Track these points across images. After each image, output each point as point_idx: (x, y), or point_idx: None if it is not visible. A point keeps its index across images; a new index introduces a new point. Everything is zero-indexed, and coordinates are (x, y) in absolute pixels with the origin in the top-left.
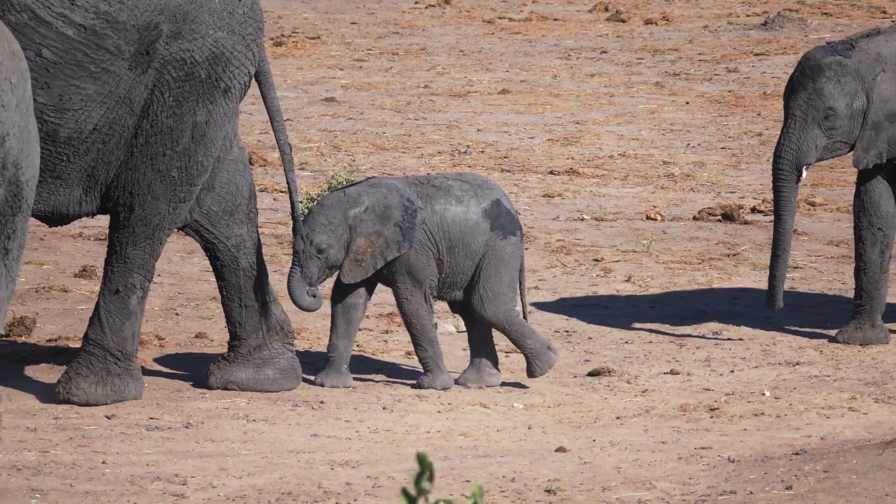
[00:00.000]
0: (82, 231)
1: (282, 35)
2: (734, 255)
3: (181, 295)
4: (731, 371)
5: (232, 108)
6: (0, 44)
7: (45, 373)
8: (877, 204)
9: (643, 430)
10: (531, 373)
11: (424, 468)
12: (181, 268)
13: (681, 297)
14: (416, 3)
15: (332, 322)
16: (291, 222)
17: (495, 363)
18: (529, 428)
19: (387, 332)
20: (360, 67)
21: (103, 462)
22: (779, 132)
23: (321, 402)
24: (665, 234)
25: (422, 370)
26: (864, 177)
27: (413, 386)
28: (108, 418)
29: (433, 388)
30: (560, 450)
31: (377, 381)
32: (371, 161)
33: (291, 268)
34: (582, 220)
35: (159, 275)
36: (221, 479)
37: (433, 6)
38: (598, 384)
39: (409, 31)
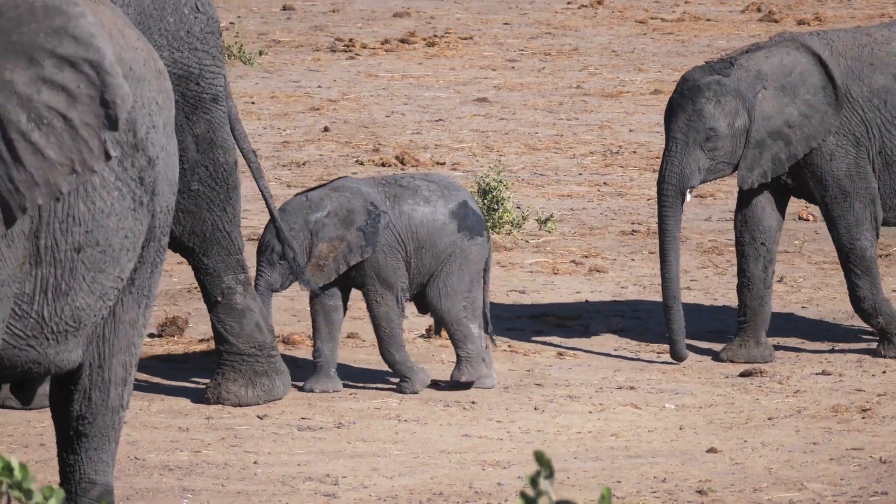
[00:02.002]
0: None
1: (434, 35)
2: (886, 255)
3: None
4: (884, 372)
5: (225, 112)
6: (146, 63)
7: (198, 373)
8: (759, 218)
9: (795, 430)
10: (457, 376)
11: (543, 467)
12: None
13: (832, 297)
14: (568, 3)
15: (314, 327)
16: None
17: (487, 357)
18: (681, 428)
19: (539, 332)
20: (513, 68)
21: (255, 462)
22: None
23: (472, 403)
24: (817, 235)
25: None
26: (743, 193)
27: (395, 390)
28: (260, 418)
29: (415, 392)
30: (711, 450)
31: (528, 382)
32: (523, 161)
33: (256, 275)
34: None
35: None
36: (373, 480)
37: (585, 6)
38: (749, 385)
39: (561, 31)
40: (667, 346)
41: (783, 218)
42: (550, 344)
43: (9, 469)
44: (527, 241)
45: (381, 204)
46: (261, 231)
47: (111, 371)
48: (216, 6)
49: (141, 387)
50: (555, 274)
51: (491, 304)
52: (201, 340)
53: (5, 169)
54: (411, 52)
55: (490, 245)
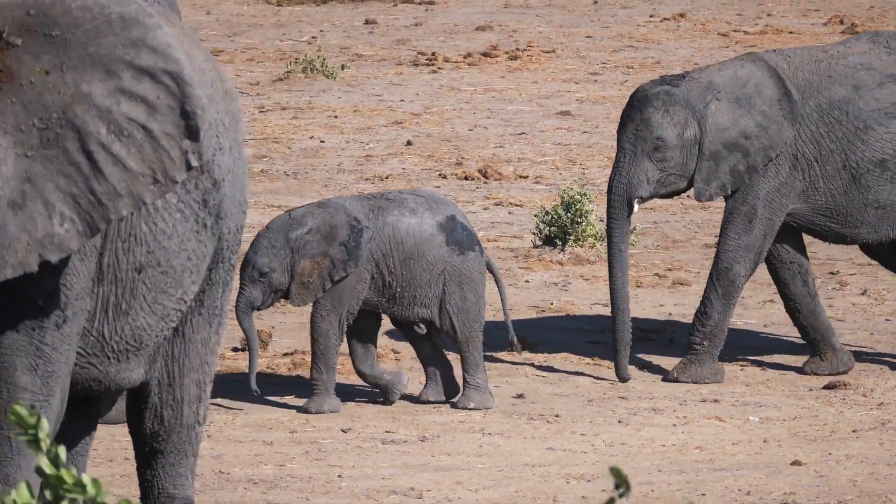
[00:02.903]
0: None
1: (517, 49)
2: (835, 272)
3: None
4: None
5: None
6: (214, 84)
7: (282, 386)
8: (776, 239)
9: (879, 443)
10: (464, 403)
11: (620, 483)
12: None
13: None
14: (650, 16)
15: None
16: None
17: (450, 376)
18: (765, 441)
19: None
20: (595, 81)
21: (339, 475)
22: None
23: (556, 416)
24: None
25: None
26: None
27: (300, 410)
28: (345, 432)
29: (321, 412)
30: (795, 463)
31: (612, 395)
32: (605, 174)
33: (238, 292)
34: None
35: None
36: (457, 493)
37: (668, 19)
38: (833, 397)
39: (643, 44)
40: (751, 359)
41: (800, 232)
42: (634, 357)
43: (81, 485)
44: None
45: (364, 219)
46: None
47: (183, 389)
48: (299, 21)
49: (225, 401)
50: (638, 287)
51: (575, 316)
52: (285, 354)
53: (85, 181)
54: (494, 65)
55: (485, 257)
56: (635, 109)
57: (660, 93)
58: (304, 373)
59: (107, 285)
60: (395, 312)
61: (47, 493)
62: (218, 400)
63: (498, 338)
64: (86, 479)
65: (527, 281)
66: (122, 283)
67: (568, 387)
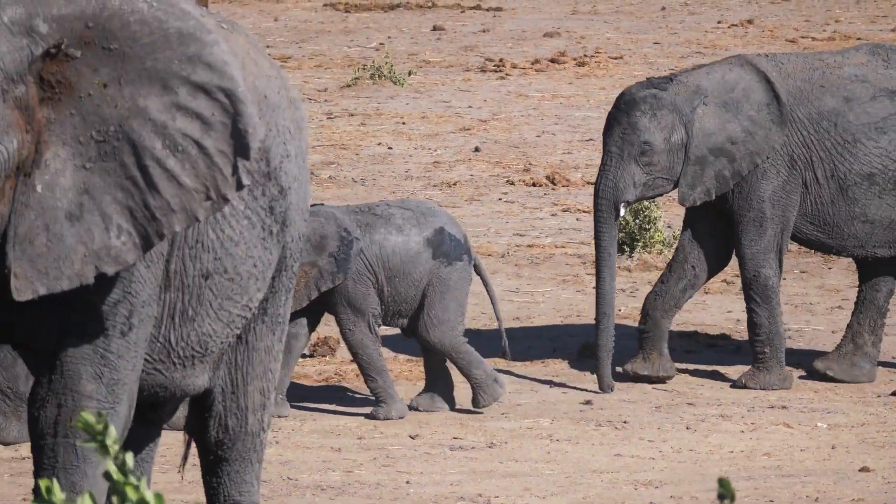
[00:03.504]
0: None
1: (584, 55)
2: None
3: (484, 315)
4: None
5: None
6: (280, 92)
7: (349, 393)
8: (699, 244)
9: None
10: (476, 403)
11: (726, 494)
12: (481, 288)
13: None
14: (718, 22)
15: None
16: None
17: (450, 392)
18: (833, 447)
19: (690, 351)
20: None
21: (407, 482)
22: None
23: (624, 423)
24: None
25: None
26: (691, 213)
27: (368, 416)
28: (413, 438)
29: (389, 418)
30: (864, 469)
31: (680, 402)
32: None
33: None
34: None
35: None
36: (525, 499)
37: (736, 26)
38: None
39: (711, 50)
40: (818, 365)
41: (729, 252)
42: (702, 363)
43: (145, 502)
44: None
45: (353, 230)
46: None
47: (247, 397)
48: (366, 27)
49: (293, 407)
50: (706, 293)
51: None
52: (353, 360)
53: (141, 195)
54: (561, 71)
55: (472, 267)
56: (622, 113)
57: (647, 96)
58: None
59: (173, 292)
60: (380, 323)
61: (114, 501)
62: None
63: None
64: (148, 495)
65: (593, 287)
66: (188, 289)
67: (636, 393)
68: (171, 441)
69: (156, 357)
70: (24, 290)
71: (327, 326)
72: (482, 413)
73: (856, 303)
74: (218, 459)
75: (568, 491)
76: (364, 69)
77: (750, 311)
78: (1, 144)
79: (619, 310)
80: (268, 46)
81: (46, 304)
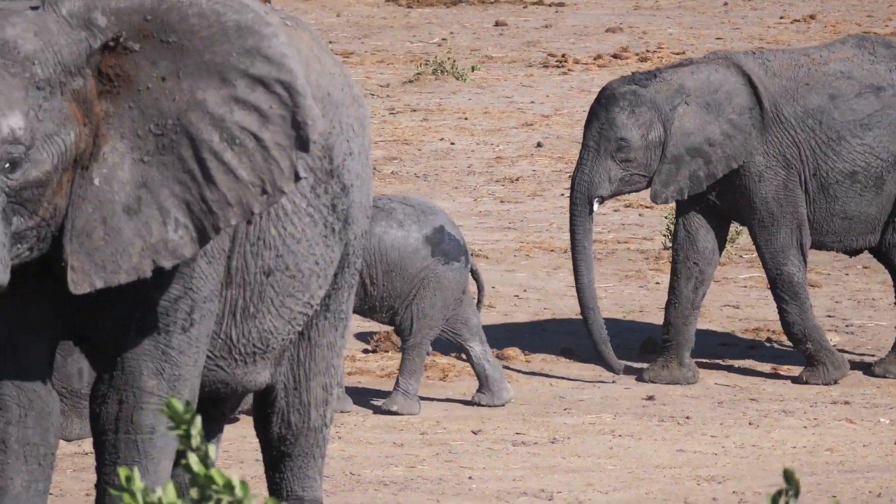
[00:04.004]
0: None
1: (647, 51)
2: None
3: (547, 310)
4: None
5: None
6: (343, 89)
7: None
8: (695, 238)
9: None
10: (387, 405)
11: (791, 485)
12: (547, 283)
13: None
14: (780, 17)
15: None
16: None
17: (500, 378)
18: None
19: (753, 347)
20: None
21: (470, 477)
22: None
23: (687, 418)
24: None
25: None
26: (681, 209)
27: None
28: (475, 433)
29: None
30: None
31: (742, 397)
32: None
33: None
34: None
35: (525, 290)
36: (587, 495)
37: (798, 21)
38: None
39: (774, 45)
40: (876, 370)
41: (723, 241)
42: (764, 359)
43: (230, 487)
44: (741, 257)
45: None
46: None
47: (310, 393)
48: (429, 23)
49: (356, 402)
50: (769, 289)
51: (704, 318)
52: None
53: (198, 189)
54: (624, 67)
55: (468, 271)
56: (602, 107)
57: (627, 92)
58: (435, 374)
59: (235, 288)
60: (375, 318)
61: (193, 493)
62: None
63: (546, 341)
64: (235, 480)
65: (657, 283)
66: (250, 286)
67: (698, 388)
68: (232, 436)
69: (217, 353)
70: (81, 283)
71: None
72: (545, 408)
73: None
74: (281, 455)
75: (630, 486)
76: (426, 65)
77: (780, 310)
78: (58, 137)
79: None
80: (330, 42)
81: (108, 299)
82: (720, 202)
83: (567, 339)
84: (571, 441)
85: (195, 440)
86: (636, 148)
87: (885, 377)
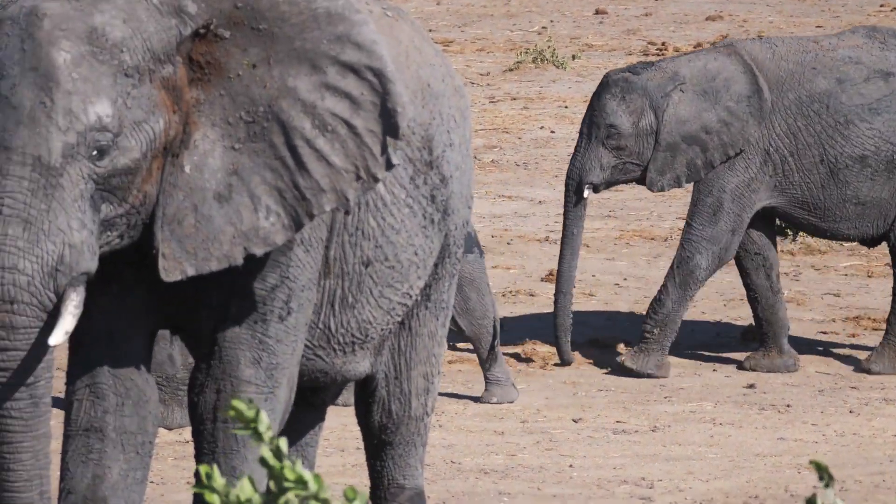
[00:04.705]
0: (549, 235)
1: (747, 39)
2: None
3: (647, 299)
4: None
5: None
6: (444, 80)
7: (512, 377)
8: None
9: None
10: (487, 398)
11: (823, 475)
12: (647, 272)
13: None
14: (881, 5)
15: None
16: None
17: (507, 377)
18: None
19: (854, 334)
20: None
21: (570, 465)
22: None
23: (787, 406)
24: None
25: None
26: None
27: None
28: (575, 422)
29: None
30: None
31: (843, 385)
32: None
33: None
34: None
35: (625, 278)
36: (688, 483)
37: None
38: None
39: None
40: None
41: (771, 222)
42: (865, 347)
43: (302, 481)
44: (841, 245)
45: None
46: None
47: (411, 382)
48: (529, 11)
49: (457, 391)
50: (869, 277)
51: (806, 307)
52: (516, 344)
53: (290, 176)
54: None
55: (484, 260)
56: (595, 96)
57: (619, 80)
58: (535, 363)
59: (333, 278)
60: None
61: (271, 485)
62: (449, 389)
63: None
64: (307, 475)
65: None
66: (348, 276)
67: (799, 377)
68: (334, 425)
69: (315, 343)
70: (172, 270)
71: None
72: (645, 396)
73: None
74: (382, 443)
75: (731, 475)
76: (526, 53)
77: (662, 288)
78: (147, 124)
79: (783, 293)
80: (430, 31)
81: (204, 288)
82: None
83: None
84: (672, 429)
85: (265, 436)
86: (626, 135)
87: (754, 370)
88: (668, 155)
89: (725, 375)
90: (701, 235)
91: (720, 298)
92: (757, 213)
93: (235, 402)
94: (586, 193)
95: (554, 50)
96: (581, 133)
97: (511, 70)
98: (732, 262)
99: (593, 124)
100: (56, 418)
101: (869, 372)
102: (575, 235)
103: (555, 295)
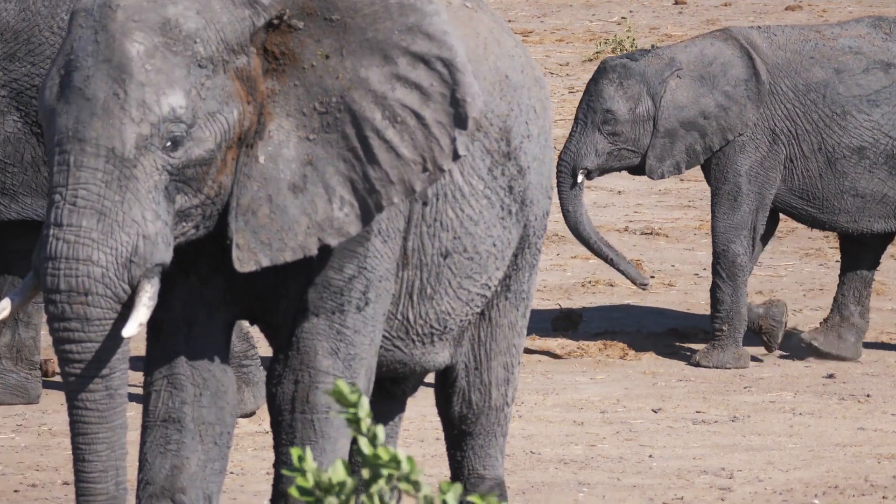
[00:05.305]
0: (628, 225)
1: None
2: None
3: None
4: None
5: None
6: (524, 71)
7: (593, 367)
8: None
9: None
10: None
11: None
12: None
13: None
14: None
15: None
16: None
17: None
18: None
19: None
20: None
21: (650, 455)
22: None
23: (867, 396)
24: None
25: None
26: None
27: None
28: (655, 412)
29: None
30: None
31: None
32: None
33: None
34: None
35: (704, 268)
36: (768, 473)
37: None
38: None
39: None
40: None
41: (775, 220)
42: None
43: (396, 461)
44: None
45: None
46: None
47: (491, 373)
48: (608, 1)
49: (536, 381)
50: None
51: (886, 296)
52: (596, 335)
53: (361, 167)
54: None
55: None
56: (593, 81)
57: (617, 66)
58: (614, 353)
59: (411, 269)
60: None
61: (364, 473)
62: (528, 381)
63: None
64: (401, 455)
65: (837, 261)
66: (427, 267)
67: (879, 367)
68: (413, 415)
69: (394, 334)
70: (246, 261)
71: (569, 300)
72: (725, 386)
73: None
74: (462, 434)
75: (811, 465)
76: (605, 43)
77: (714, 286)
78: (221, 115)
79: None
80: (510, 21)
81: (281, 279)
82: (703, 165)
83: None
84: (752, 419)
85: (364, 423)
86: (623, 121)
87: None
88: (667, 141)
89: (805, 365)
90: (728, 225)
91: (800, 288)
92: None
93: (339, 384)
94: (580, 178)
95: (633, 40)
96: (576, 118)
97: (590, 60)
98: (812, 250)
99: (590, 109)
100: (133, 409)
101: None
102: (574, 211)
103: (595, 254)
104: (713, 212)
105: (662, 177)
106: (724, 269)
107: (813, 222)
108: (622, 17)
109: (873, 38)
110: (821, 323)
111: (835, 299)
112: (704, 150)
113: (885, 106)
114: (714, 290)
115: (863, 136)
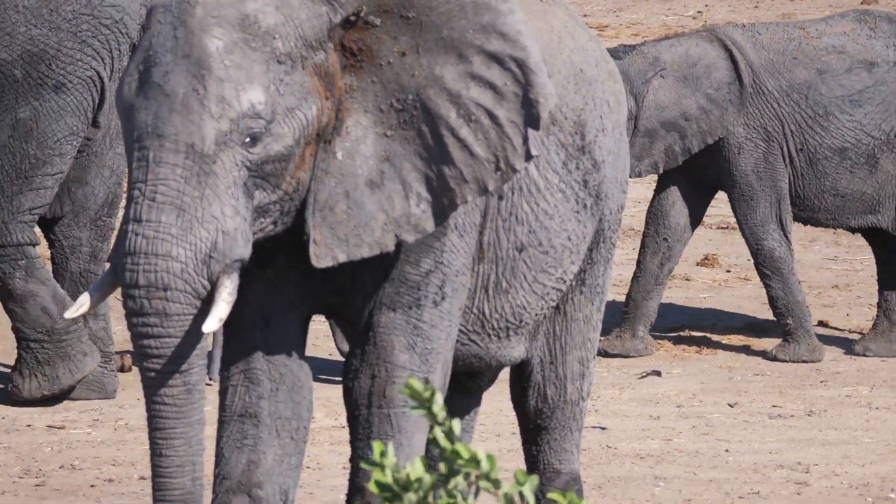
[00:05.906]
0: (705, 220)
1: None
2: None
3: (802, 282)
4: None
5: (70, 102)
6: (598, 65)
7: (667, 361)
8: (667, 213)
9: None
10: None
11: None
12: (803, 256)
13: None
14: None
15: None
16: None
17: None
18: None
19: None
20: None
21: (726, 450)
22: None
23: None
24: None
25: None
26: (661, 183)
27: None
28: (731, 406)
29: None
30: None
31: None
32: None
33: None
34: None
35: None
36: (844, 467)
37: None
38: None
39: None
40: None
41: (697, 219)
42: None
43: (475, 460)
44: None
45: None
46: None
47: (566, 367)
48: None
49: (612, 376)
50: None
51: None
52: (670, 329)
53: (437, 164)
54: None
55: None
56: None
57: None
58: (691, 348)
59: (487, 263)
60: None
61: (441, 467)
62: (603, 375)
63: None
64: (480, 453)
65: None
66: (502, 261)
67: None
68: (489, 409)
69: (470, 328)
70: (323, 256)
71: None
72: (801, 381)
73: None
74: (537, 428)
75: (887, 459)
76: None
77: (765, 285)
78: (299, 111)
79: None
80: (585, 16)
81: (358, 274)
82: (705, 174)
83: (824, 311)
84: (828, 413)
85: (439, 416)
86: None
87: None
88: (647, 140)
89: (881, 359)
90: (753, 224)
91: (874, 282)
92: (692, 202)
93: (411, 381)
94: None
95: None
96: None
97: None
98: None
99: None
100: (210, 404)
101: None
102: None
103: None
104: (735, 216)
105: (640, 175)
106: (766, 267)
107: (794, 217)
108: (698, 12)
109: (857, 36)
110: (870, 330)
111: (878, 304)
112: (683, 152)
113: (868, 105)
114: (766, 290)
115: (845, 136)
